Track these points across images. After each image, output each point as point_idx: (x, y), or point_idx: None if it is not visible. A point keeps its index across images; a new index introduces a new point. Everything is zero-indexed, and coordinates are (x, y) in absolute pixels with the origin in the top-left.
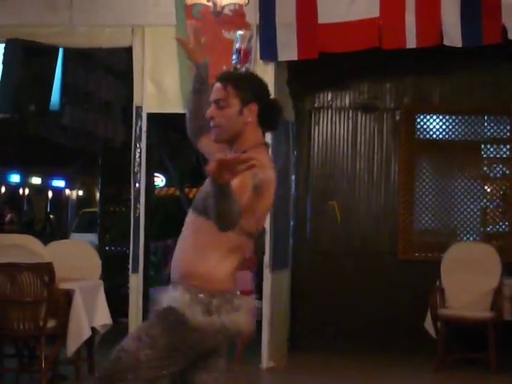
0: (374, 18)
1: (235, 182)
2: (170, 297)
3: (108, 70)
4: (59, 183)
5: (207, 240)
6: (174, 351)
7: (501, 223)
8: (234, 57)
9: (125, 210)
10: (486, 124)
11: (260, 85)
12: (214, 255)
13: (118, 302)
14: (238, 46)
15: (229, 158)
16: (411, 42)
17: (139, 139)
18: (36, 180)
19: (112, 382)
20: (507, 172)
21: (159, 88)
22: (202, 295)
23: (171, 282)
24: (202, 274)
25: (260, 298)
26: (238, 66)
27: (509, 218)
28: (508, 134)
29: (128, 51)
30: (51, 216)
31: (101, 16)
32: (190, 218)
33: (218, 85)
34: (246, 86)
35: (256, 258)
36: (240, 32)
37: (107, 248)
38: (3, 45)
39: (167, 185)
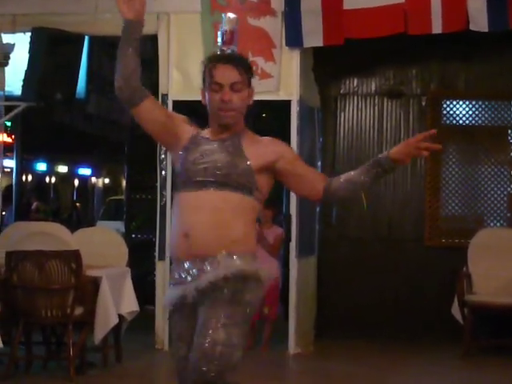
0: (399, 3)
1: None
2: (228, 267)
3: None
4: (85, 171)
5: (239, 211)
6: (251, 313)
7: None
8: (219, 39)
9: (151, 198)
10: None
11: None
12: (244, 223)
13: (144, 290)
14: (223, 28)
15: None
16: (437, 28)
17: None
18: (62, 168)
19: (223, 377)
20: None
21: (185, 75)
22: (250, 255)
23: (204, 255)
24: (243, 240)
25: (286, 284)
26: (224, 48)
27: None
28: None
29: (153, 39)
30: (77, 204)
31: None
32: (210, 193)
33: (229, 67)
34: (251, 68)
35: (281, 244)
36: (226, 14)
37: (133, 235)
38: (29, 33)
39: None
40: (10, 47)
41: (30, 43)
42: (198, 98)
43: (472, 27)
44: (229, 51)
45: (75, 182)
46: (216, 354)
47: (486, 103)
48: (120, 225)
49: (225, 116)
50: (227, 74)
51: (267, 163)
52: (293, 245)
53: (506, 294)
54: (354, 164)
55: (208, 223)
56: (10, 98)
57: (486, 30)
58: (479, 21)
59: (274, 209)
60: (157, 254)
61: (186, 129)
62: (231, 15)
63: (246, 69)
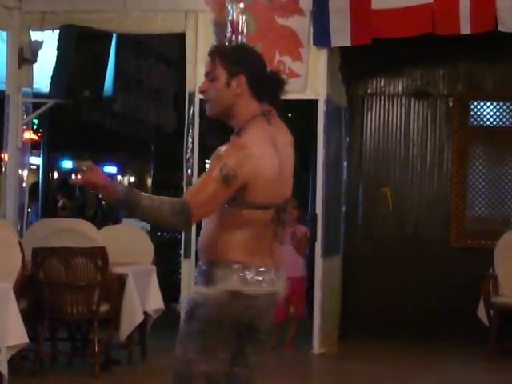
0: (427, 3)
1: (197, 181)
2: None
3: (159, 57)
4: (111, 169)
5: (216, 221)
6: (207, 338)
7: None
8: (228, 30)
9: (177, 196)
10: None
11: (249, 56)
12: (219, 231)
13: (169, 287)
14: (230, 19)
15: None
16: (465, 28)
17: (192, 125)
18: None
19: None
20: None
21: None
22: (203, 266)
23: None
24: (207, 248)
25: (312, 284)
26: (233, 39)
27: None
28: None
29: (181, 37)
30: (103, 202)
31: (154, 1)
32: None
33: (207, 58)
34: (233, 57)
35: (306, 242)
36: (232, 5)
37: (159, 234)
38: (58, 31)
39: None
40: (39, 44)
41: (59, 40)
42: None
43: (500, 28)
44: (236, 42)
45: None
46: (175, 370)
47: None
48: (145, 223)
49: (206, 107)
50: (206, 65)
51: None
52: (318, 244)
53: None
54: (381, 164)
55: (201, 233)
56: (38, 95)
57: None
58: (508, 21)
59: (298, 209)
60: (182, 252)
61: None
62: (240, 5)
63: (224, 58)
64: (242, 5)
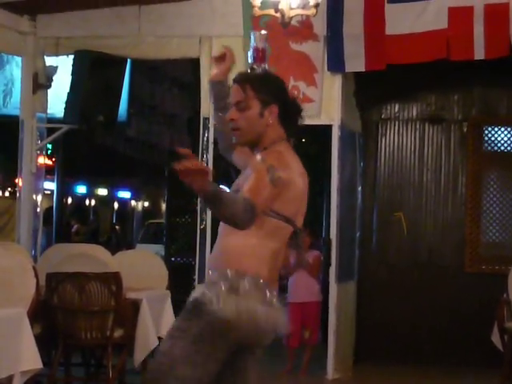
0: (442, 29)
1: (250, 181)
2: (197, 289)
3: (173, 82)
4: (125, 194)
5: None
6: (203, 343)
7: None
8: (250, 57)
9: (191, 221)
10: None
11: (279, 85)
12: (246, 237)
13: None
14: (253, 45)
15: (186, 166)
16: (479, 54)
17: (206, 150)
18: (102, 191)
19: None
20: None
21: None
22: (228, 272)
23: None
24: (231, 253)
25: (326, 308)
26: (255, 66)
27: None
28: None
29: (194, 62)
30: (117, 227)
31: (169, 27)
32: None
33: (236, 86)
34: (265, 87)
35: (320, 265)
36: (254, 32)
37: (173, 259)
38: (72, 56)
39: None
40: (53, 70)
41: (73, 66)
42: None
43: None
44: (259, 70)
45: (115, 205)
46: (155, 362)
47: None
48: (159, 248)
49: (233, 135)
50: (233, 94)
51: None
52: (332, 269)
53: None
54: (395, 189)
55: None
56: (52, 120)
57: None
58: None
59: (310, 236)
60: (196, 277)
61: None
62: (262, 32)
63: (257, 87)
64: (263, 31)
